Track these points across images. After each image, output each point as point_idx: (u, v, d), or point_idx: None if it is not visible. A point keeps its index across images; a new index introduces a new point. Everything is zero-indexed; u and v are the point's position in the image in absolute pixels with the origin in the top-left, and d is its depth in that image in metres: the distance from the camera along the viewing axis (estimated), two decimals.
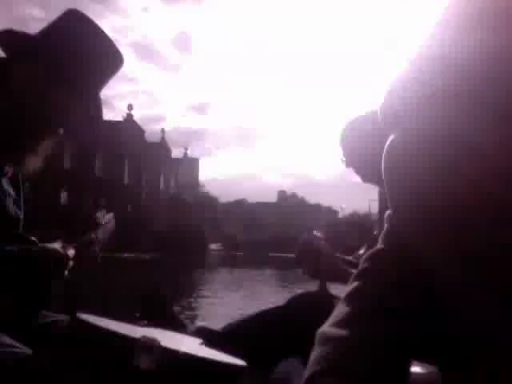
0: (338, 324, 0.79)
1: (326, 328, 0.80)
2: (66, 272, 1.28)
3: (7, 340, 1.16)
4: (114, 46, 1.31)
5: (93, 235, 1.45)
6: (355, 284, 0.84)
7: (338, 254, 1.94)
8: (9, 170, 1.35)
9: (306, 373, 0.75)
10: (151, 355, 0.91)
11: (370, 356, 0.72)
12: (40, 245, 1.25)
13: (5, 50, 1.28)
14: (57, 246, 1.26)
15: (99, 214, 1.53)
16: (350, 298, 0.82)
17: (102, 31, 1.31)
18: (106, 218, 1.54)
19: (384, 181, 0.77)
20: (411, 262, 0.74)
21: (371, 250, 0.86)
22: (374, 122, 1.81)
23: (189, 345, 1.22)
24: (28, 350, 1.15)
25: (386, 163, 0.77)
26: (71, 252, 1.28)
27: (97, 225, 1.49)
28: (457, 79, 0.66)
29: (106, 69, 1.33)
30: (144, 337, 0.94)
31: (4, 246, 1.19)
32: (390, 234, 0.84)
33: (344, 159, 1.88)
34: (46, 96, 1.25)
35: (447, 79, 0.67)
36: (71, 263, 1.27)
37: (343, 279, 1.77)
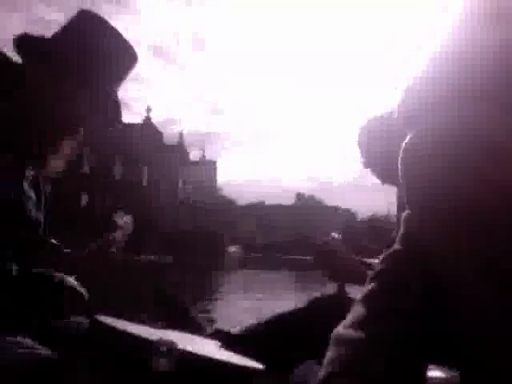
0: (352, 325, 0.78)
1: (341, 329, 0.80)
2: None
3: (28, 341, 1.18)
4: (127, 43, 1.32)
5: (111, 237, 1.47)
6: (370, 286, 0.83)
7: (356, 257, 1.92)
8: (30, 173, 1.37)
9: (321, 373, 0.75)
10: (168, 357, 0.92)
11: (383, 357, 0.72)
12: (60, 277, 1.25)
13: (21, 54, 1.30)
14: (74, 281, 1.26)
15: (118, 216, 1.55)
16: (365, 299, 0.82)
17: (115, 30, 1.32)
18: (125, 220, 1.56)
19: (401, 179, 0.76)
20: (426, 263, 0.74)
21: (387, 252, 0.86)
22: (393, 121, 1.80)
23: (206, 347, 1.23)
24: (48, 352, 1.17)
25: (402, 164, 0.77)
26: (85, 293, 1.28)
27: (116, 227, 1.51)
28: (475, 79, 0.66)
29: (121, 67, 1.34)
30: (161, 339, 0.95)
31: (30, 267, 1.21)
32: (406, 235, 0.83)
33: (362, 160, 1.87)
34: (63, 97, 1.27)
35: (465, 79, 0.66)
36: (86, 299, 1.27)
37: (361, 281, 1.76)
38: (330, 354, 0.78)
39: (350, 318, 0.82)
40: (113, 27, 1.32)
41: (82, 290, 1.26)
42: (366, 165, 1.87)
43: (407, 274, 0.79)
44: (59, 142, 1.33)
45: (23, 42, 1.29)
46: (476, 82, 0.65)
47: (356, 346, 0.75)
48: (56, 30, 1.33)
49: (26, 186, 1.34)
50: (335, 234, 1.80)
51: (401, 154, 0.77)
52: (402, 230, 0.86)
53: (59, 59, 1.26)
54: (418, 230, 0.77)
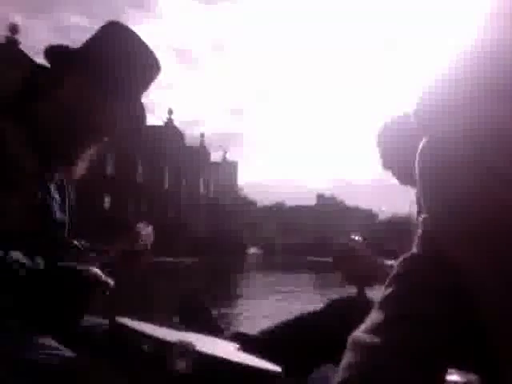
0: (369, 330, 0.78)
1: (359, 334, 0.80)
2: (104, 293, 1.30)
3: (51, 342, 1.20)
4: (153, 54, 1.37)
5: (134, 246, 1.51)
6: (387, 290, 0.83)
7: (378, 258, 1.91)
8: (57, 175, 1.41)
9: (337, 379, 0.75)
10: (187, 359, 0.93)
11: (400, 363, 0.72)
12: (86, 268, 1.27)
13: (52, 64, 1.34)
14: (97, 270, 1.28)
15: (141, 226, 1.58)
16: (382, 304, 0.81)
17: (142, 40, 1.36)
18: (147, 231, 1.59)
19: (418, 183, 0.75)
20: (444, 268, 0.73)
21: (404, 255, 0.85)
22: (410, 123, 1.79)
23: (225, 349, 1.24)
24: (70, 353, 1.19)
25: (420, 164, 0.76)
26: (110, 280, 1.29)
27: (138, 236, 1.54)
28: (500, 79, 0.65)
29: (148, 77, 1.38)
30: (180, 340, 0.96)
31: (56, 262, 1.24)
32: (423, 239, 0.83)
33: (381, 161, 1.87)
34: (94, 106, 1.31)
35: (490, 79, 0.65)
36: (109, 288, 1.29)
37: (382, 283, 1.74)
38: (346, 359, 0.78)
39: (367, 322, 0.82)
40: (140, 38, 1.36)
41: (108, 279, 1.27)
42: (385, 166, 1.86)
43: (424, 279, 0.78)
44: (86, 148, 1.37)
45: (55, 52, 1.33)
46: (500, 82, 0.64)
47: (372, 351, 0.75)
48: (85, 41, 1.37)
49: (52, 187, 1.38)
50: (355, 236, 1.79)
51: (417, 157, 0.76)
52: (419, 233, 0.85)
53: (92, 70, 1.30)
54: (434, 234, 0.75)
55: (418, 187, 0.76)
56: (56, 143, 1.32)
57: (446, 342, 0.74)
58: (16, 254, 1.17)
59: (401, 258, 0.86)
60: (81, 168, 1.41)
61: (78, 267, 1.25)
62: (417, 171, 0.76)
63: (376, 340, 0.74)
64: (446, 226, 0.72)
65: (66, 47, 1.35)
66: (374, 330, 0.77)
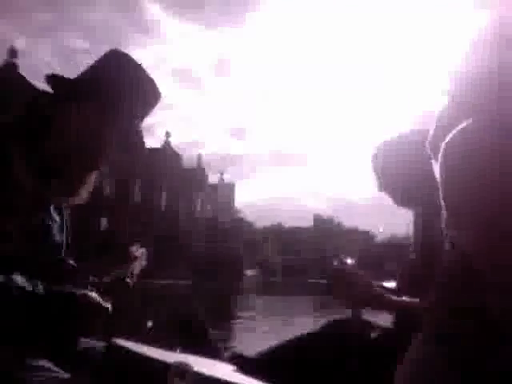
0: (413, 348, 0.79)
1: (408, 351, 0.81)
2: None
3: (48, 365, 1.20)
4: (153, 81, 1.40)
5: (129, 269, 1.51)
6: (428, 310, 0.83)
7: (374, 280, 1.91)
8: (57, 199, 1.42)
9: None
10: (184, 380, 0.93)
11: (430, 381, 0.72)
12: (83, 292, 1.27)
13: (55, 90, 1.36)
14: (95, 295, 1.28)
15: (135, 248, 1.58)
16: (423, 324, 0.82)
17: (142, 68, 1.39)
18: (140, 253, 1.59)
19: (441, 183, 0.71)
20: (476, 286, 0.71)
21: (441, 275, 0.84)
22: (409, 142, 1.80)
23: (222, 371, 1.23)
24: (66, 375, 1.18)
25: (443, 160, 0.71)
26: (107, 304, 1.29)
27: (133, 259, 1.55)
28: None
29: (148, 104, 1.41)
30: (178, 362, 0.96)
31: (51, 286, 1.23)
32: (452, 251, 0.80)
33: (377, 183, 1.87)
34: (98, 133, 1.33)
35: None
36: (106, 313, 1.28)
37: (379, 306, 1.74)
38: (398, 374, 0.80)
39: (415, 341, 0.82)
40: (140, 65, 1.39)
41: (106, 305, 1.27)
42: (381, 187, 1.86)
43: (461, 298, 0.77)
44: (88, 175, 1.38)
45: (56, 80, 1.35)
46: None
47: (411, 365, 0.76)
48: (86, 68, 1.39)
49: (51, 209, 1.39)
50: (346, 259, 1.77)
51: (443, 151, 0.72)
52: (448, 241, 0.83)
53: (94, 97, 1.33)
54: (454, 233, 0.73)
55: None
56: (58, 168, 1.34)
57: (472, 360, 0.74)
58: (17, 278, 1.17)
59: (441, 267, 0.84)
60: (84, 193, 1.43)
61: (77, 292, 1.25)
62: (440, 164, 0.72)
63: (415, 355, 0.75)
64: (466, 224, 0.70)
65: (68, 78, 1.38)
66: (416, 346, 0.77)
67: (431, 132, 0.75)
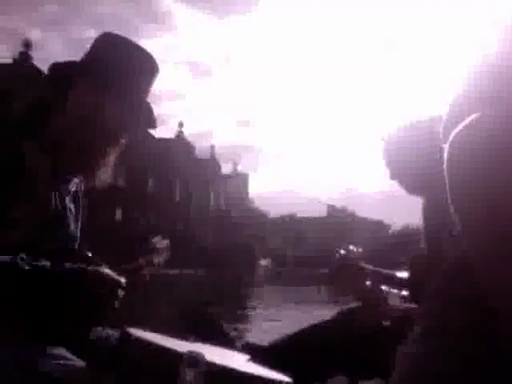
0: (411, 341, 0.79)
1: (406, 344, 0.81)
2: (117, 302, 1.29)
3: (63, 352, 1.21)
4: (149, 55, 1.44)
5: (148, 260, 1.52)
6: (427, 302, 0.82)
7: (385, 270, 1.90)
8: (72, 187, 1.43)
9: None
10: (196, 369, 0.93)
11: (434, 375, 0.72)
12: (95, 268, 1.28)
13: (59, 78, 1.38)
14: (110, 271, 1.28)
15: (156, 240, 1.59)
16: (422, 316, 0.81)
17: (137, 44, 1.43)
18: (162, 244, 1.60)
19: (448, 180, 0.70)
20: (478, 284, 0.70)
21: (443, 267, 0.83)
22: (420, 130, 1.78)
23: (235, 360, 1.24)
24: (81, 363, 1.20)
25: (449, 156, 0.69)
26: (123, 280, 1.29)
27: (153, 250, 1.56)
28: None
29: (147, 76, 1.44)
30: (189, 351, 0.97)
31: (63, 263, 1.24)
32: (457, 246, 0.79)
33: (388, 171, 1.85)
34: (102, 110, 1.36)
35: None
36: (123, 292, 1.29)
37: (373, 300, 1.73)
38: (394, 369, 0.79)
39: (412, 333, 0.82)
40: (134, 42, 1.44)
41: (119, 278, 1.27)
42: (393, 176, 1.85)
43: (462, 290, 0.76)
44: (104, 154, 1.40)
45: (58, 68, 1.38)
46: None
47: (411, 359, 0.76)
48: (85, 52, 1.42)
49: (67, 199, 1.40)
50: (353, 248, 1.77)
51: (448, 148, 0.70)
52: (455, 240, 0.82)
53: (96, 78, 1.36)
54: (468, 242, 0.72)
55: (448, 183, 0.70)
56: (75, 152, 1.35)
57: (479, 354, 0.73)
58: (24, 256, 1.18)
59: (440, 270, 0.84)
60: (105, 175, 1.44)
61: (88, 268, 1.25)
62: (447, 160, 0.70)
63: (415, 349, 0.75)
64: (470, 227, 0.68)
65: (70, 62, 1.41)
66: (415, 340, 0.77)
67: (444, 118, 0.74)
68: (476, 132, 0.64)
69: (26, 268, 1.15)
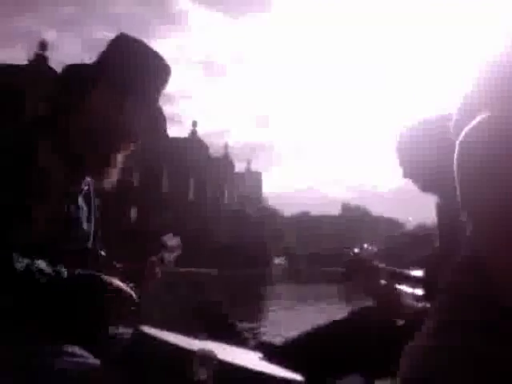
0: (423, 335, 0.79)
1: (415, 338, 0.81)
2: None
3: (78, 350, 1.23)
4: (162, 58, 1.45)
5: (159, 258, 1.53)
6: (440, 298, 0.82)
7: (399, 268, 1.89)
8: (85, 186, 1.45)
9: (397, 379, 0.76)
10: (208, 367, 0.94)
11: (447, 368, 0.72)
12: (108, 279, 1.29)
13: (74, 79, 1.39)
14: (123, 284, 1.29)
15: (168, 238, 1.60)
16: (434, 311, 0.81)
17: (150, 47, 1.44)
18: (174, 242, 1.61)
19: (457, 178, 0.69)
20: (488, 276, 0.70)
21: (455, 261, 0.83)
22: (433, 128, 1.76)
23: (247, 358, 1.24)
24: (95, 361, 1.21)
25: (459, 156, 0.69)
26: (133, 292, 1.31)
27: (164, 248, 1.57)
28: None
29: (160, 79, 1.45)
30: (201, 349, 0.97)
31: (78, 271, 1.26)
32: (468, 243, 0.79)
33: (402, 169, 1.84)
34: (117, 112, 1.37)
35: None
36: (132, 301, 1.30)
37: (390, 296, 1.72)
38: (403, 360, 0.79)
39: (424, 328, 0.82)
40: (147, 45, 1.45)
41: (131, 291, 1.29)
42: (406, 174, 1.83)
43: (474, 286, 0.76)
44: (114, 155, 1.41)
45: (74, 70, 1.40)
46: None
47: (423, 353, 0.76)
48: (99, 54, 1.44)
49: (80, 198, 1.42)
50: (368, 246, 1.77)
51: (458, 147, 0.69)
52: (466, 237, 0.82)
53: (110, 79, 1.38)
54: (472, 234, 0.72)
55: (457, 181, 0.69)
56: (85, 153, 1.37)
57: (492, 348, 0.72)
58: (40, 263, 1.20)
59: (453, 265, 0.83)
60: (113, 176, 1.46)
61: (103, 279, 1.26)
62: (457, 159, 0.69)
63: (427, 344, 0.75)
64: (481, 225, 0.68)
65: (82, 64, 1.42)
66: (426, 335, 0.77)
67: (454, 117, 0.74)
68: (485, 131, 0.64)
69: (42, 281, 1.17)
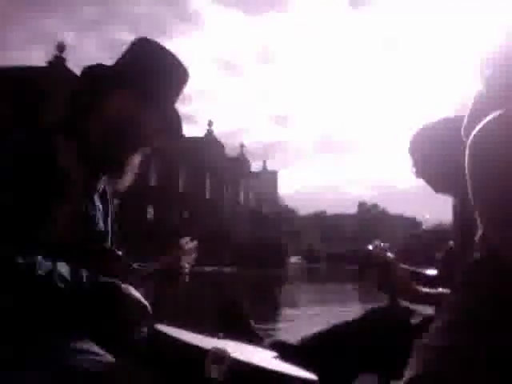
0: (433, 334, 0.79)
1: (425, 336, 0.81)
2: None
3: (93, 348, 1.25)
4: (180, 62, 1.46)
5: (176, 260, 1.55)
6: (451, 297, 0.82)
7: (415, 267, 1.88)
8: (101, 186, 1.47)
9: (405, 378, 0.76)
10: (221, 366, 0.95)
11: (459, 367, 0.72)
12: (125, 290, 1.31)
13: (94, 81, 1.42)
14: (138, 294, 1.31)
15: (184, 241, 1.62)
16: (445, 309, 0.81)
17: (170, 51, 1.46)
18: (190, 246, 1.63)
19: (468, 176, 0.70)
20: (503, 274, 0.70)
21: (468, 262, 0.83)
22: (447, 128, 1.75)
23: (262, 357, 1.24)
24: (111, 358, 1.23)
25: (471, 153, 0.69)
26: (149, 308, 1.32)
27: (180, 250, 1.59)
28: None
29: (178, 84, 1.47)
30: (215, 348, 0.98)
31: (97, 277, 1.27)
32: (481, 242, 0.79)
33: (415, 169, 1.83)
34: (136, 114, 1.39)
35: None
36: (147, 314, 1.31)
37: (411, 298, 1.71)
38: (413, 359, 0.79)
39: (433, 327, 0.82)
40: (167, 49, 1.46)
41: (146, 303, 1.30)
42: (419, 174, 1.82)
43: (487, 286, 0.76)
44: (132, 156, 1.44)
45: (94, 72, 1.42)
46: None
47: (436, 351, 0.76)
48: (119, 57, 1.45)
49: (96, 198, 1.44)
50: (380, 243, 1.76)
51: (470, 143, 0.70)
52: (478, 236, 0.82)
53: (130, 82, 1.40)
54: (492, 235, 0.72)
55: (468, 179, 0.69)
56: (105, 154, 1.39)
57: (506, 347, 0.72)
58: (62, 266, 1.22)
59: (464, 265, 0.83)
60: (130, 177, 1.48)
61: (121, 288, 1.28)
62: (468, 156, 0.69)
63: (438, 342, 0.75)
64: (495, 220, 0.68)
65: (105, 66, 1.44)
66: (437, 333, 0.77)
67: (465, 119, 0.74)
68: (495, 129, 0.64)
69: (62, 287, 1.19)
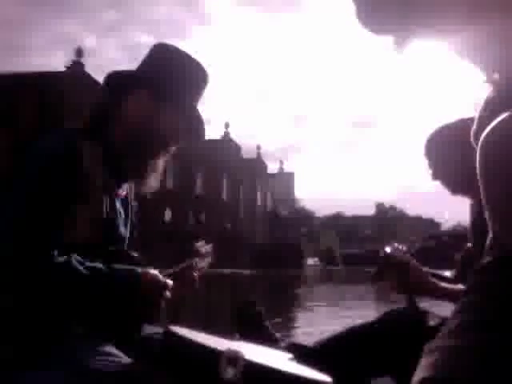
0: (445, 335, 0.78)
1: (436, 338, 0.80)
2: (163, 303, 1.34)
3: (111, 349, 1.26)
4: (201, 66, 1.48)
5: (193, 263, 1.56)
6: (464, 298, 0.82)
7: (433, 269, 1.86)
8: (122, 191, 1.49)
9: (414, 379, 0.75)
10: (235, 367, 0.95)
11: (471, 368, 0.71)
12: (144, 270, 1.33)
13: (117, 87, 1.44)
14: (157, 272, 1.34)
15: (200, 245, 1.64)
16: (459, 310, 0.81)
17: (190, 55, 1.48)
18: (206, 249, 1.64)
19: (480, 178, 0.69)
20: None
21: (481, 263, 0.82)
22: (462, 129, 1.73)
23: (277, 359, 1.25)
24: (127, 360, 1.25)
25: (486, 152, 0.69)
26: (170, 282, 1.34)
27: (197, 253, 1.60)
28: None
29: (199, 86, 1.49)
30: (229, 349, 0.98)
31: (114, 265, 1.30)
32: (493, 243, 0.79)
33: (431, 171, 1.82)
34: (159, 118, 1.41)
35: None
36: (169, 294, 1.34)
37: (430, 293, 1.70)
38: (423, 361, 0.78)
39: (445, 328, 0.81)
40: (187, 53, 1.48)
41: (168, 281, 1.32)
42: (435, 176, 1.81)
43: (500, 286, 0.75)
44: (155, 161, 1.45)
45: (116, 78, 1.45)
46: None
47: (447, 354, 0.75)
48: (140, 62, 1.48)
49: (117, 203, 1.46)
50: (398, 245, 1.75)
51: (480, 144, 0.69)
52: (489, 237, 0.81)
53: (152, 87, 1.42)
54: (498, 233, 0.72)
55: (480, 181, 0.69)
56: (129, 158, 1.41)
57: None
58: (78, 258, 1.25)
59: (477, 266, 0.83)
60: (155, 180, 1.50)
61: (139, 270, 1.31)
62: (479, 158, 0.69)
63: (451, 343, 0.74)
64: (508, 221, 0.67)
65: (126, 71, 1.47)
66: (450, 334, 0.76)
67: (475, 121, 0.73)
68: (506, 129, 0.64)
69: (84, 272, 1.21)
